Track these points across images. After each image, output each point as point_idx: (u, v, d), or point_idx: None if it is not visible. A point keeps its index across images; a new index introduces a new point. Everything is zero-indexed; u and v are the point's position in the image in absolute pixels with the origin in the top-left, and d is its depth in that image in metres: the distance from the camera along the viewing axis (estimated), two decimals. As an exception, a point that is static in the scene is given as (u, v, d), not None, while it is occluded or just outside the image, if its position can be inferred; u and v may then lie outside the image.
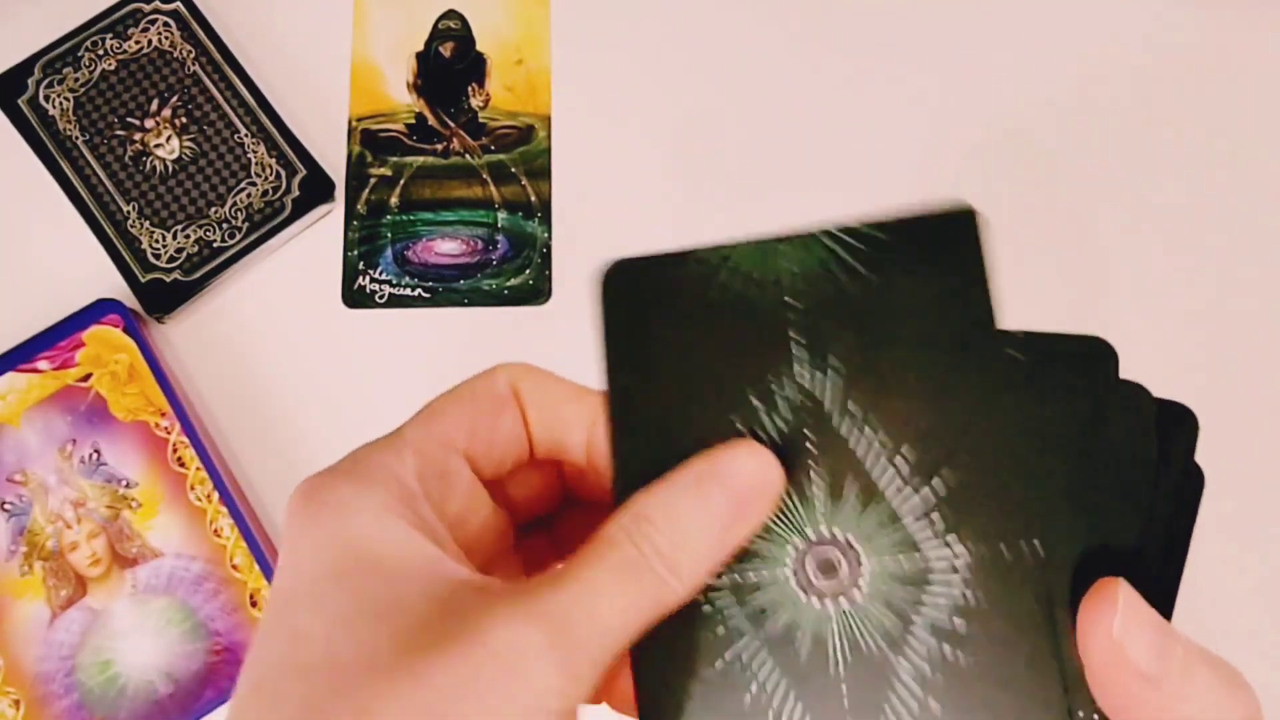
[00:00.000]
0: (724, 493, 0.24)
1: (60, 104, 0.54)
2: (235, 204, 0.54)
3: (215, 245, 0.53)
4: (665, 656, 0.25)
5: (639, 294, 0.27)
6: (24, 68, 0.55)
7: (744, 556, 0.25)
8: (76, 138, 0.54)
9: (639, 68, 0.57)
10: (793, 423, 0.26)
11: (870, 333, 0.26)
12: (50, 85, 0.55)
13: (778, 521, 0.26)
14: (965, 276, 0.26)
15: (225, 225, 0.53)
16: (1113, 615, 0.22)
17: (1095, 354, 0.26)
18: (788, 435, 0.26)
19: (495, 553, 0.28)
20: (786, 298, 0.26)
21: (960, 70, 0.57)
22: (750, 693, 0.25)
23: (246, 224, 0.53)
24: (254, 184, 0.54)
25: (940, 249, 0.26)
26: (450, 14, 0.57)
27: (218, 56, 0.55)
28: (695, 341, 0.26)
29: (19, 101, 0.54)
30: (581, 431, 0.27)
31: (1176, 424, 0.27)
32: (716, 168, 0.55)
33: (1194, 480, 0.27)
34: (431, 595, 0.22)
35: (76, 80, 0.55)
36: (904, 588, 0.25)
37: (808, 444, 0.26)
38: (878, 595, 0.25)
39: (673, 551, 0.23)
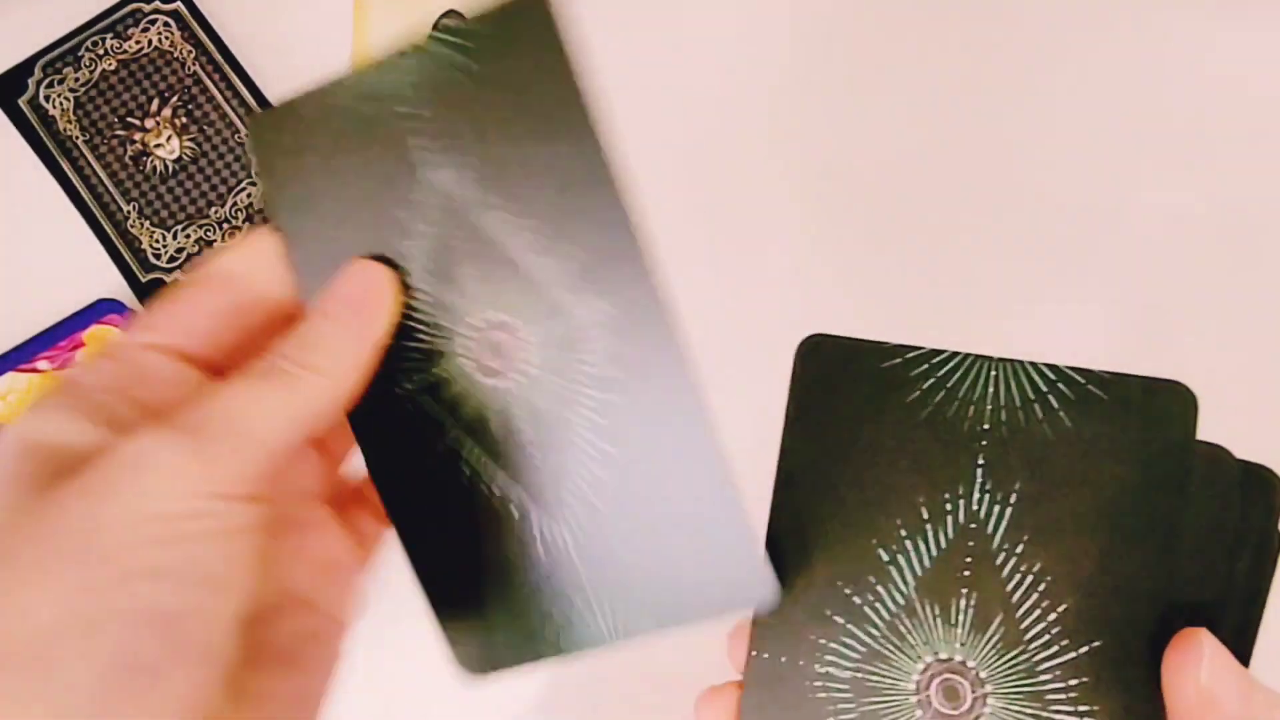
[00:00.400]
0: (331, 299, 0.27)
1: (60, 104, 0.54)
2: (235, 204, 0.54)
3: (215, 245, 0.53)
4: (391, 457, 0.28)
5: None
6: (24, 68, 0.55)
7: (423, 364, 0.28)
8: (76, 138, 0.54)
9: (639, 68, 0.57)
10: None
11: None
12: (50, 85, 0.55)
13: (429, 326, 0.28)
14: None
15: (225, 225, 0.53)
16: (1199, 663, 0.24)
17: (1175, 399, 0.27)
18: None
19: None
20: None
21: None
22: (464, 473, 0.28)
23: (246, 224, 0.53)
24: (254, 184, 0.54)
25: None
26: (450, 14, 0.57)
27: (218, 56, 0.55)
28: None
29: (19, 101, 0.54)
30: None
31: (1259, 488, 0.27)
32: (718, 167, 0.55)
33: (1273, 539, 0.28)
34: (86, 450, 0.24)
35: (76, 80, 0.55)
36: (561, 353, 0.27)
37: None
38: (547, 366, 0.27)
39: (301, 353, 0.26)
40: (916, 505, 0.27)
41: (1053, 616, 0.26)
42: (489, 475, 0.27)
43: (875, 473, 0.27)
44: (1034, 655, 0.26)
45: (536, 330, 0.27)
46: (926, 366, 0.27)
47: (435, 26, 0.57)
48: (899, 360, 0.27)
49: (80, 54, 0.55)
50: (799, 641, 0.26)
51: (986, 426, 0.27)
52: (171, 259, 0.53)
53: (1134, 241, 0.54)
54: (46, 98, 0.55)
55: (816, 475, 0.27)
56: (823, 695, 0.26)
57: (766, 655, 0.27)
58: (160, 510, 0.23)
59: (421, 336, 0.28)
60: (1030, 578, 0.26)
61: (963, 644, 0.26)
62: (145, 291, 0.52)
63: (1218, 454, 0.26)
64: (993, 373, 0.27)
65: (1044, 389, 0.27)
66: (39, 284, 0.53)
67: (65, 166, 0.54)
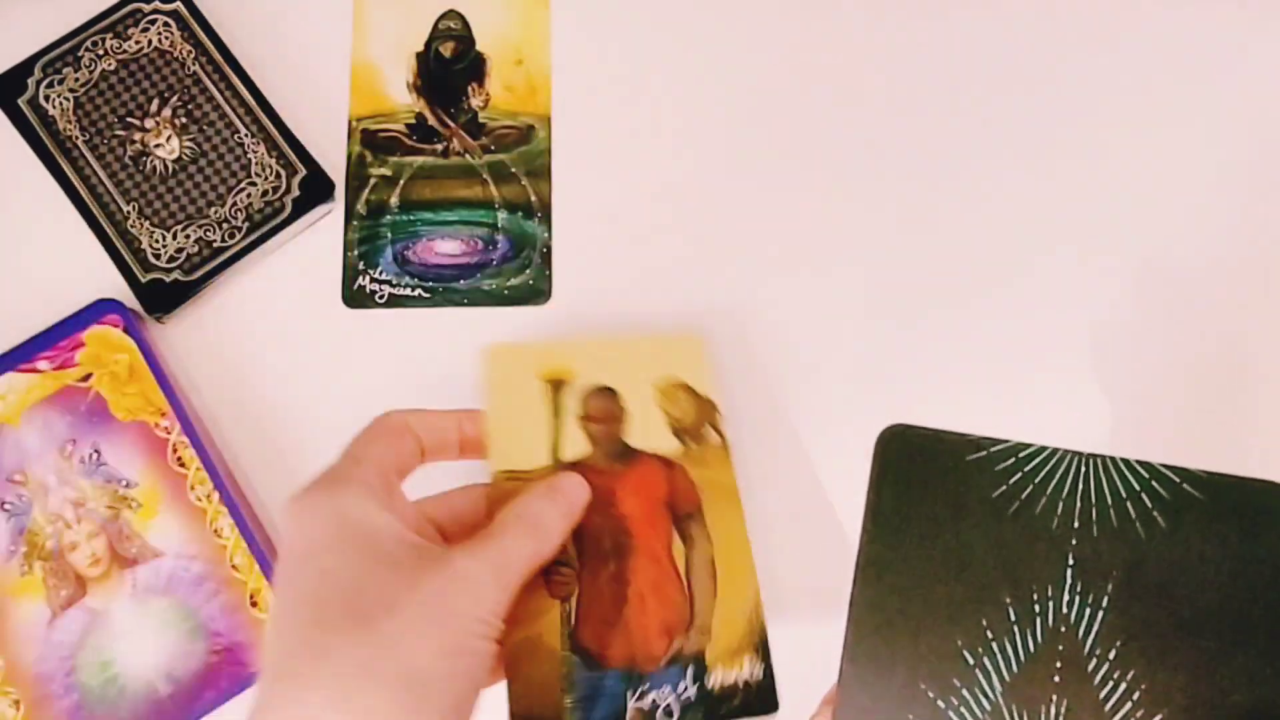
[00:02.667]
0: (563, 495, 0.41)
1: (60, 104, 0.54)
2: (235, 204, 0.53)
3: (215, 245, 0.53)
4: None
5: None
6: (24, 68, 0.54)
7: None
8: (76, 138, 0.54)
9: (640, 68, 0.57)
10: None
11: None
12: (50, 85, 0.54)
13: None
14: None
15: (225, 225, 0.53)
16: None
17: (1275, 502, 0.25)
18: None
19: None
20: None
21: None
22: None
23: (246, 224, 0.53)
24: (254, 184, 0.54)
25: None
26: (450, 14, 0.57)
27: (218, 56, 0.55)
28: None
29: (19, 101, 0.54)
30: (453, 437, 0.42)
31: None
32: (719, 167, 0.55)
33: None
34: (408, 548, 0.36)
35: (76, 80, 0.54)
36: None
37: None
38: None
39: (544, 524, 0.40)
40: (1003, 605, 0.25)
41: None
42: None
43: (960, 570, 0.26)
44: None
45: None
46: (1013, 460, 0.26)
47: (435, 26, 0.57)
48: (984, 453, 0.26)
49: (80, 54, 0.55)
50: None
51: (1077, 525, 0.25)
52: (171, 259, 0.52)
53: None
54: (46, 98, 0.54)
55: (899, 570, 0.26)
56: None
57: None
58: (478, 614, 0.35)
59: None
60: (1124, 685, 0.25)
61: None
62: (145, 291, 0.52)
63: None
64: (1083, 469, 0.25)
65: (1137, 487, 0.25)
66: (39, 284, 0.52)
67: (65, 166, 0.53)
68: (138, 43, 0.55)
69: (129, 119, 0.54)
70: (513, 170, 0.55)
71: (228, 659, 0.47)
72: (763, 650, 0.41)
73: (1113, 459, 0.26)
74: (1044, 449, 0.26)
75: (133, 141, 0.54)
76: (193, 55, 0.55)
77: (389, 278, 0.53)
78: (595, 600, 0.42)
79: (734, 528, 0.44)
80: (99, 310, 0.51)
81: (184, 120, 0.54)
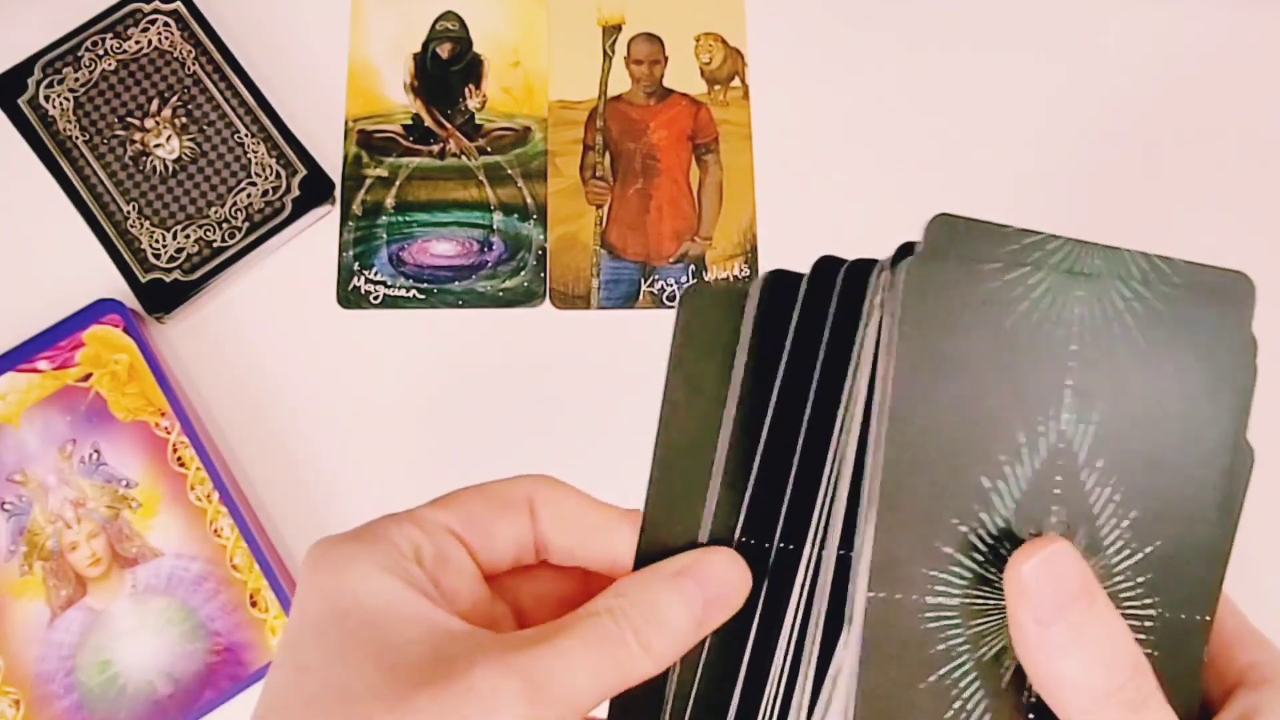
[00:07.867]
0: (699, 589, 0.25)
1: (60, 104, 0.52)
2: (235, 204, 0.51)
3: (215, 245, 0.51)
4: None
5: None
6: (24, 68, 0.52)
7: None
8: (76, 138, 0.52)
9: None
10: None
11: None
12: (50, 85, 0.52)
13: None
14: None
15: (225, 225, 0.51)
16: (1032, 555, 0.23)
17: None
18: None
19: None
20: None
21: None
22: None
23: (246, 224, 0.51)
24: (254, 184, 0.52)
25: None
26: (448, 15, 0.55)
27: (218, 56, 0.53)
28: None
29: (19, 101, 0.52)
30: (601, 541, 0.27)
31: None
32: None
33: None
34: (422, 639, 0.24)
35: (76, 80, 0.52)
36: None
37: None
38: None
39: (647, 630, 0.24)
40: (1015, 432, 0.24)
41: (1125, 523, 0.25)
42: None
43: (975, 399, 0.24)
44: (1110, 560, 0.25)
45: None
46: (1021, 289, 0.24)
47: (433, 27, 0.54)
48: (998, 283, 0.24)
49: (80, 54, 0.53)
50: (913, 577, 0.24)
51: (1075, 347, 0.25)
52: (171, 259, 0.50)
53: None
54: (46, 98, 0.52)
55: (919, 402, 0.24)
56: (934, 625, 0.24)
57: (883, 594, 0.24)
58: None
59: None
60: (1107, 489, 0.25)
61: None
62: (145, 291, 0.50)
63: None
64: (1079, 292, 0.25)
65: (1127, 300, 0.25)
66: (39, 284, 0.50)
67: (65, 166, 0.51)
68: (138, 43, 0.53)
69: (129, 119, 0.52)
70: (508, 172, 0.52)
71: (228, 659, 0.46)
72: (752, 258, 0.51)
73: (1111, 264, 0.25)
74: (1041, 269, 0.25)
75: (133, 141, 0.52)
76: (193, 55, 0.53)
77: (384, 279, 0.51)
78: (623, 209, 0.51)
79: (743, 161, 0.52)
80: (99, 310, 0.49)
81: (184, 120, 0.52)
